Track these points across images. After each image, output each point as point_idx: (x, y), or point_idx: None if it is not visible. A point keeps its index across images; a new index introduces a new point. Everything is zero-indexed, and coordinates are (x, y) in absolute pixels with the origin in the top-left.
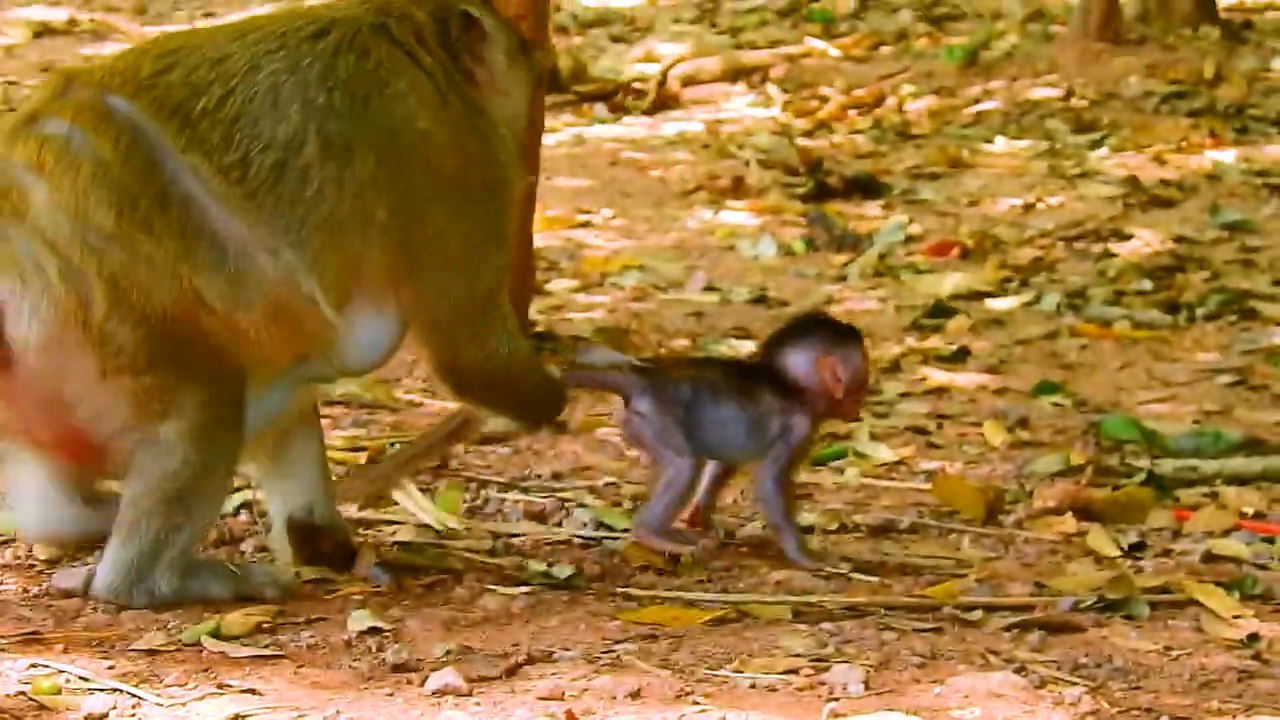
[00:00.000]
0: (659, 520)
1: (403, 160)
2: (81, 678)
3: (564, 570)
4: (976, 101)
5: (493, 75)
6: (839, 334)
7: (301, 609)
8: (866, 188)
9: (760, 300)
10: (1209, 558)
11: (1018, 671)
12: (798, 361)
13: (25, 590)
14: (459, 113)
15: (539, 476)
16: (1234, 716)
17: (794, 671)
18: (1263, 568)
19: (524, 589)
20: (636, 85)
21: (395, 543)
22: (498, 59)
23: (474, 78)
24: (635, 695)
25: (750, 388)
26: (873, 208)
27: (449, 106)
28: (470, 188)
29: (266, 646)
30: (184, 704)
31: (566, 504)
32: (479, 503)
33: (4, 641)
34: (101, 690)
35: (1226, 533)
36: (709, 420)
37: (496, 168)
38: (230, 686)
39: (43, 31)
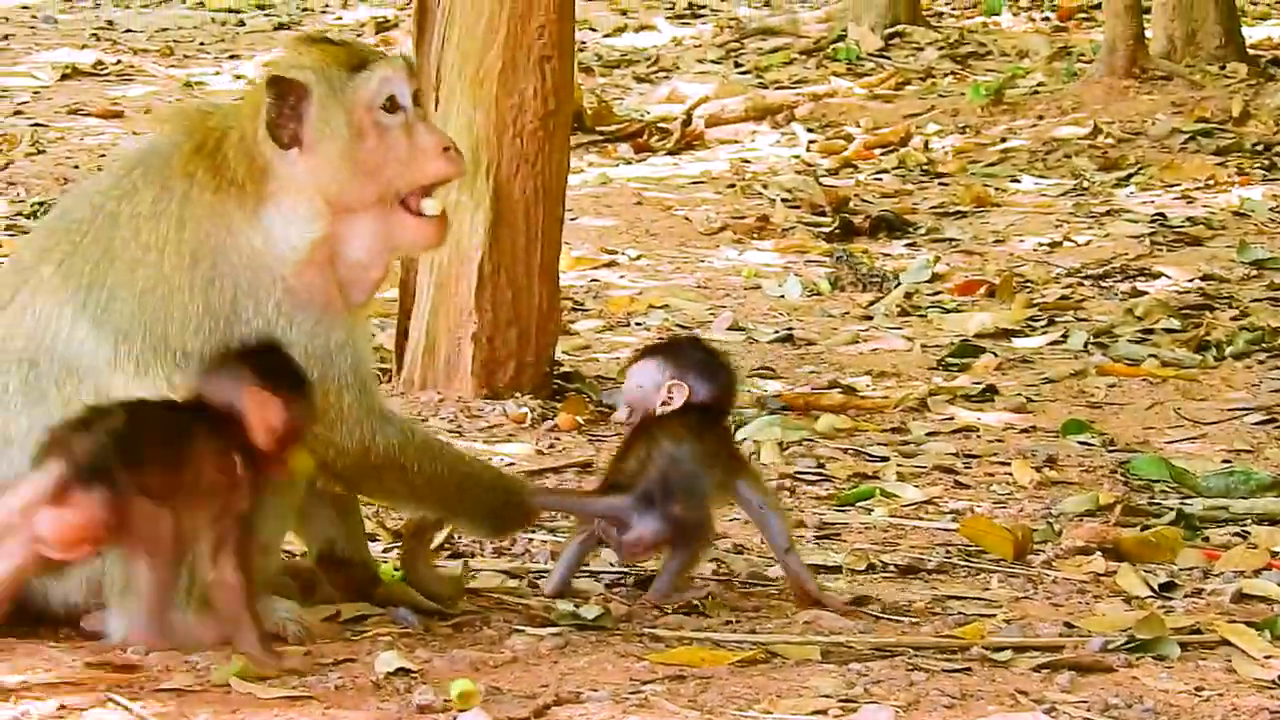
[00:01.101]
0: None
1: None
2: None
3: (591, 611)
4: (1003, 140)
5: (312, 128)
6: None
7: (329, 650)
8: (892, 226)
9: (786, 339)
10: (1240, 598)
11: (1048, 712)
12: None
13: (55, 631)
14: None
15: (566, 517)
16: None
17: (822, 712)
18: None
19: (552, 630)
20: (661, 125)
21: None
22: (312, 111)
23: (299, 139)
24: None
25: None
26: (899, 246)
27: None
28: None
29: (294, 688)
30: None
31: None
32: (506, 544)
33: (34, 683)
34: None
35: (1257, 572)
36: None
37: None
38: None
39: (70, 73)
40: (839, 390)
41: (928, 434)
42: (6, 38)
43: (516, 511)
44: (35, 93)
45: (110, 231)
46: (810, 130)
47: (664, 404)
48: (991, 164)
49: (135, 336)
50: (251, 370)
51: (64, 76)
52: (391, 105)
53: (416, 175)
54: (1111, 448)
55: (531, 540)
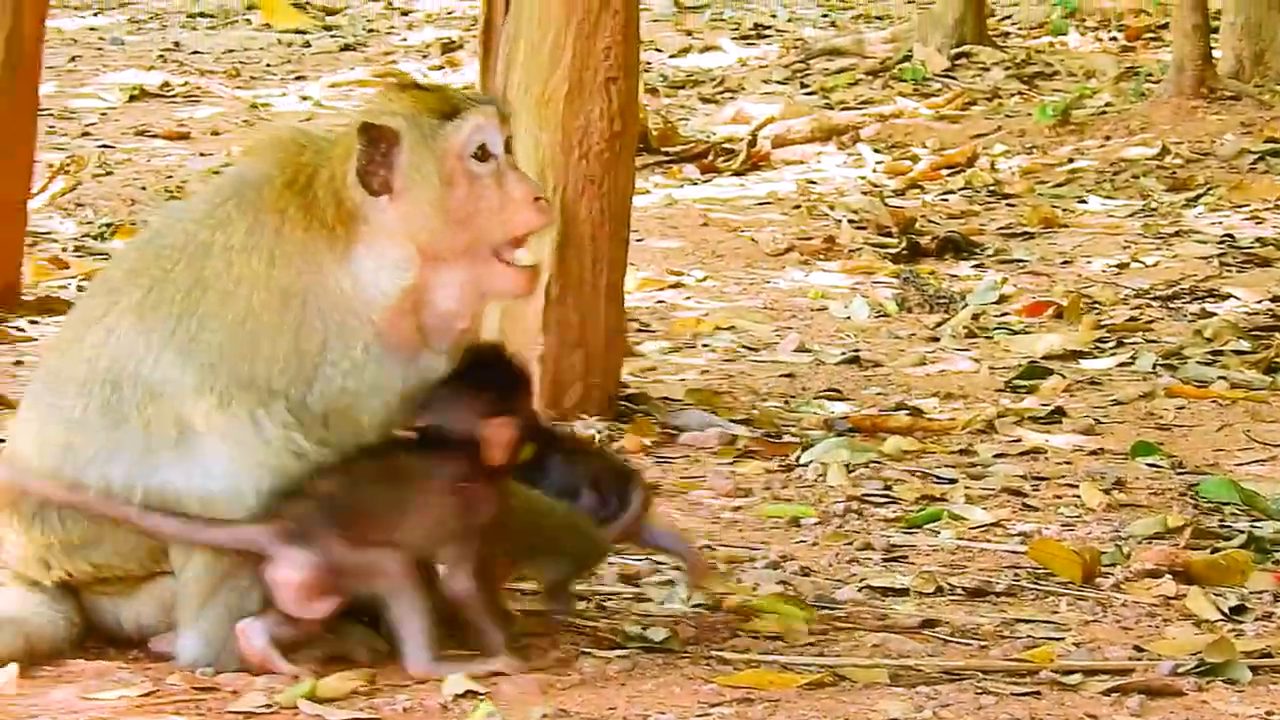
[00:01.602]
0: None
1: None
2: None
3: (659, 633)
4: (1070, 160)
5: (403, 175)
6: None
7: (397, 672)
8: (959, 247)
9: (853, 361)
10: None
11: None
12: None
13: (124, 654)
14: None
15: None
16: None
17: None
18: None
19: (619, 652)
20: (727, 146)
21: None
22: (403, 159)
23: (389, 186)
24: None
25: None
26: (965, 267)
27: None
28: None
29: (362, 709)
30: None
31: (660, 566)
32: None
33: (105, 704)
34: None
35: None
36: None
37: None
38: None
39: (138, 95)
40: (906, 412)
41: (995, 456)
42: (74, 59)
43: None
44: (103, 114)
45: (203, 261)
46: (876, 151)
47: None
48: (1059, 185)
49: (221, 369)
50: (485, 401)
51: (131, 98)
52: (483, 154)
53: (507, 226)
54: (1180, 470)
55: None
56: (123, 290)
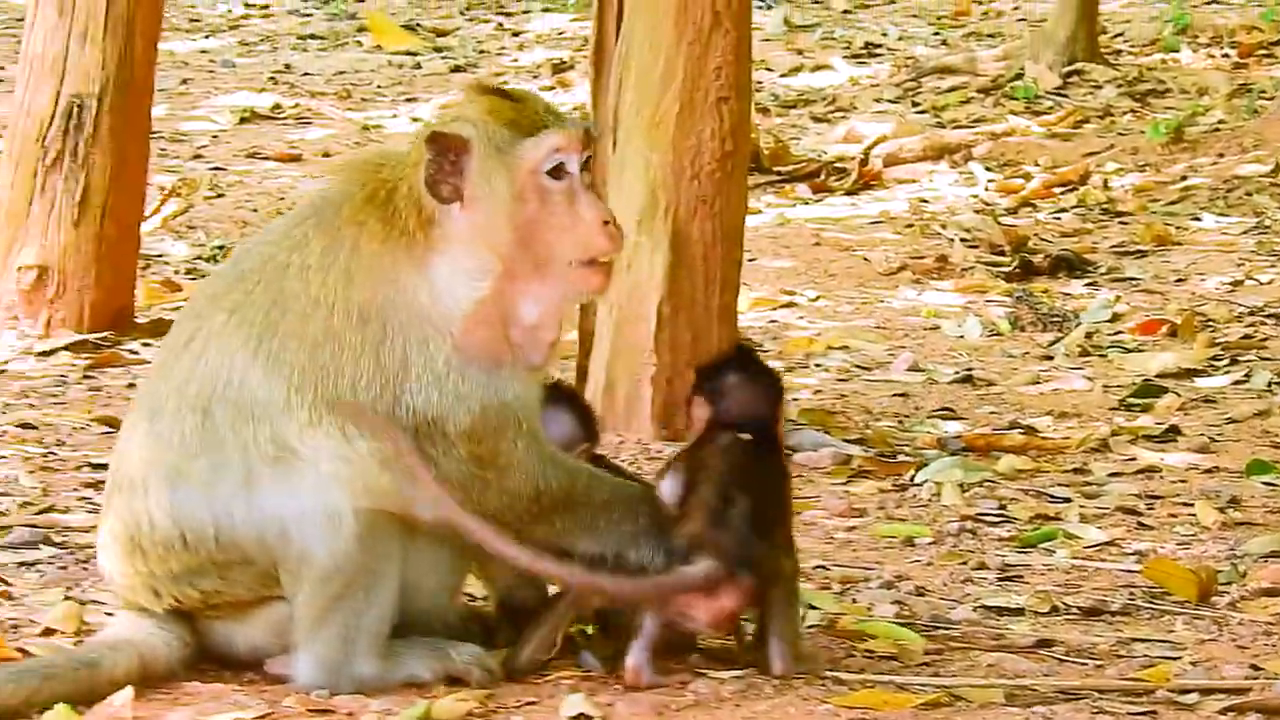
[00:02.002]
0: None
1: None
2: None
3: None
4: (1183, 178)
5: (473, 184)
6: None
7: (513, 693)
8: (1072, 266)
9: (967, 380)
10: None
11: None
12: None
13: (239, 676)
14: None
15: None
16: None
17: None
18: None
19: (734, 673)
20: (839, 165)
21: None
22: (473, 166)
23: (460, 194)
24: None
25: None
26: (1079, 286)
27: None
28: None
29: None
30: None
31: None
32: None
33: None
34: None
35: None
36: None
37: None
38: None
39: (249, 117)
40: (1020, 431)
41: (1110, 475)
42: (185, 82)
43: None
44: (214, 136)
45: (281, 281)
46: (988, 169)
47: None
48: (1172, 202)
49: (307, 388)
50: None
51: (242, 120)
52: (558, 172)
53: (576, 246)
54: None
55: None
56: (206, 316)
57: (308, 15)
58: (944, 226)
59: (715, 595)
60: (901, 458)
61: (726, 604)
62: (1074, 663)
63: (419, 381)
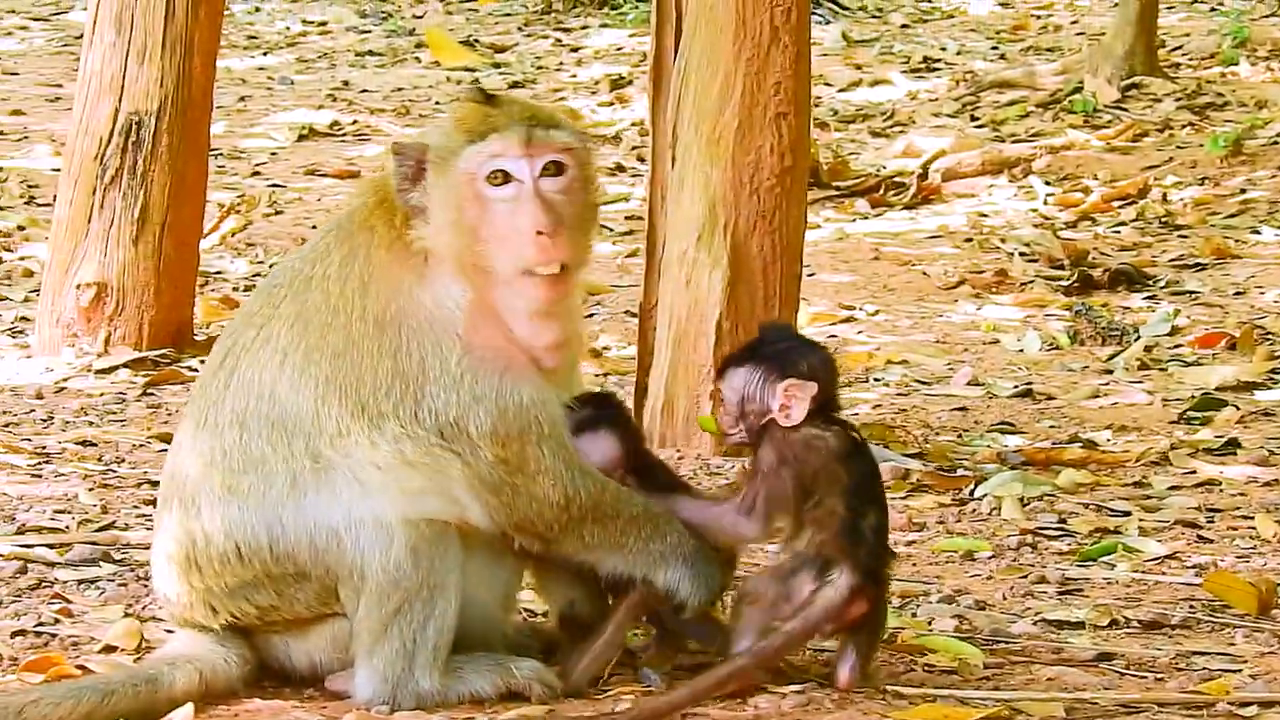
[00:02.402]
0: None
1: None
2: None
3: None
4: (1242, 191)
5: (425, 193)
6: None
7: (573, 708)
8: (1132, 279)
9: (1026, 394)
10: None
11: None
12: None
13: (299, 692)
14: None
15: None
16: None
17: None
18: None
19: (794, 687)
20: (898, 179)
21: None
22: (428, 174)
23: (422, 203)
24: None
25: None
26: (1138, 299)
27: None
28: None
29: None
30: None
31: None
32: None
33: None
34: None
35: None
36: None
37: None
38: None
39: (307, 134)
40: (1080, 445)
41: (1170, 488)
42: (244, 99)
43: (715, 557)
44: (272, 153)
45: (305, 294)
46: (1047, 183)
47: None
48: (1231, 215)
49: (332, 399)
50: None
51: (301, 137)
52: (500, 178)
53: (509, 257)
54: None
55: None
56: (239, 331)
57: (366, 32)
58: (1003, 241)
59: (847, 606)
60: (961, 472)
61: (854, 613)
62: (1134, 676)
63: (437, 385)
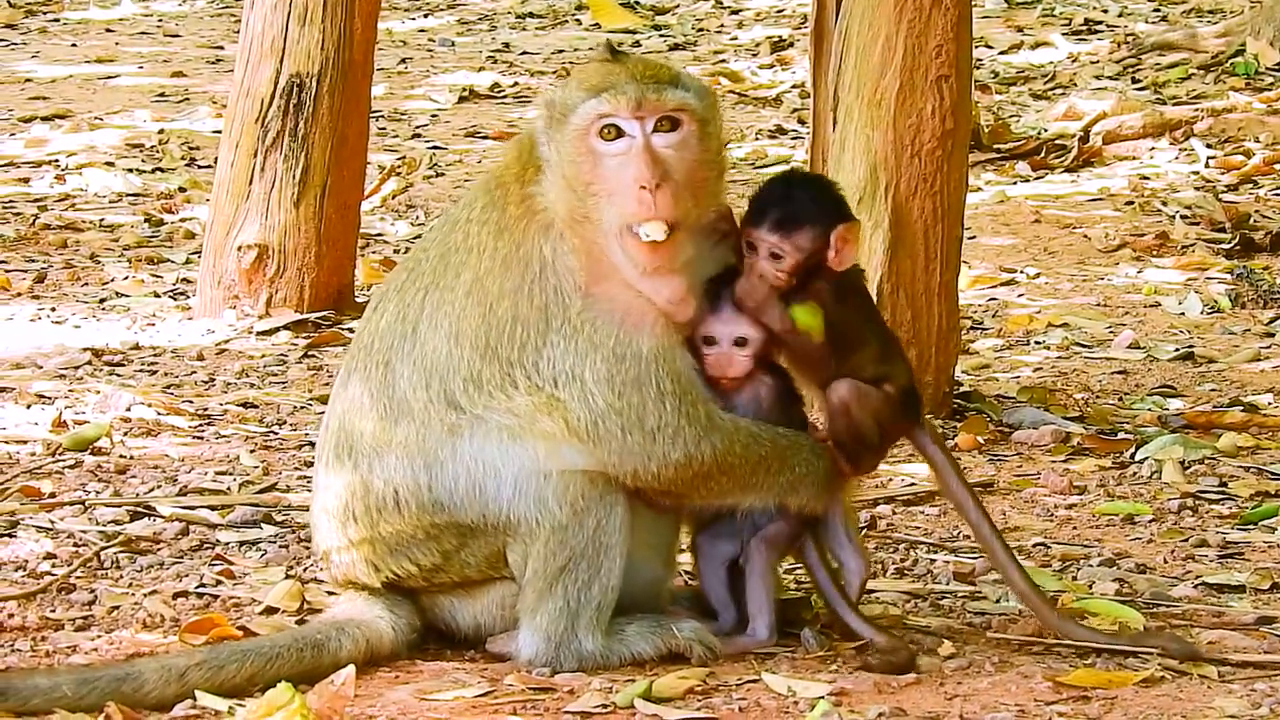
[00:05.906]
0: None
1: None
2: None
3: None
4: None
5: (546, 147)
6: None
7: (734, 671)
8: None
9: (1187, 357)
10: None
11: None
12: None
13: (461, 654)
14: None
15: (967, 537)
16: None
17: None
18: None
19: (951, 650)
20: (1059, 142)
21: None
22: (544, 129)
23: (547, 163)
24: None
25: None
26: None
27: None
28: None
29: (699, 709)
30: None
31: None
32: (908, 563)
33: (441, 704)
34: None
35: None
36: None
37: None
38: None
39: (468, 96)
40: (1241, 408)
41: None
42: (404, 61)
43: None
44: (433, 116)
45: (449, 236)
46: (1209, 146)
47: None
48: None
49: (464, 340)
50: None
51: (461, 99)
52: (612, 133)
53: (615, 211)
54: None
55: (934, 561)
56: (393, 278)
57: None
58: (1164, 203)
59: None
60: (1122, 435)
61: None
62: None
63: (558, 333)
